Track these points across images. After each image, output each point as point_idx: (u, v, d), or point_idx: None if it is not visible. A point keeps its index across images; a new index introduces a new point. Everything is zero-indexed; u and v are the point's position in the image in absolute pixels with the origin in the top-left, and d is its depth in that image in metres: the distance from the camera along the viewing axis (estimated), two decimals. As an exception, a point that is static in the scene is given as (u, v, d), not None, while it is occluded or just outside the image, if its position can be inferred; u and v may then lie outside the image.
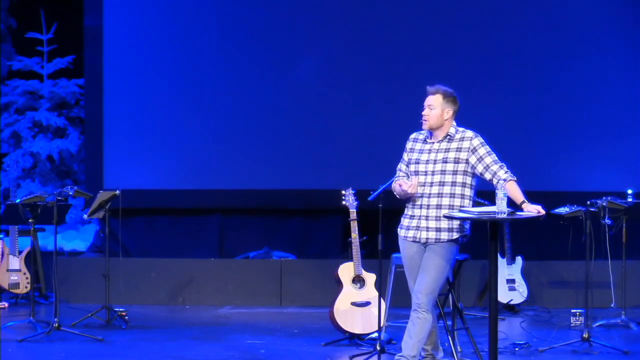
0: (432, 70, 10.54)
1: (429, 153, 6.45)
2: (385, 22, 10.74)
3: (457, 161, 6.38)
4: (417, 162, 6.46)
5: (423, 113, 6.45)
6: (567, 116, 10.65)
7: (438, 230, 6.37)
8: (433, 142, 6.47)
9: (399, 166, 6.64)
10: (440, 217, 6.34)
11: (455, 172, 6.38)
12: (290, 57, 10.86)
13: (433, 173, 6.39)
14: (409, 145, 6.60)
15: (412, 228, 6.45)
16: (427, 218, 6.39)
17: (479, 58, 10.67)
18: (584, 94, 10.64)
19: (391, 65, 10.72)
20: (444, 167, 6.38)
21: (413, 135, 6.63)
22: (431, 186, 6.39)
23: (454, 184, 6.37)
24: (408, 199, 6.47)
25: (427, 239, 6.39)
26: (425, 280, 6.35)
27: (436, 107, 6.43)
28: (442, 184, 6.37)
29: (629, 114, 10.58)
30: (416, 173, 6.44)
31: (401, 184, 6.40)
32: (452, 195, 6.37)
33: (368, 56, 10.75)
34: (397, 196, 6.56)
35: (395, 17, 10.75)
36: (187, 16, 10.95)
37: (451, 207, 6.33)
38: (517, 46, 10.68)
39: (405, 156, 6.59)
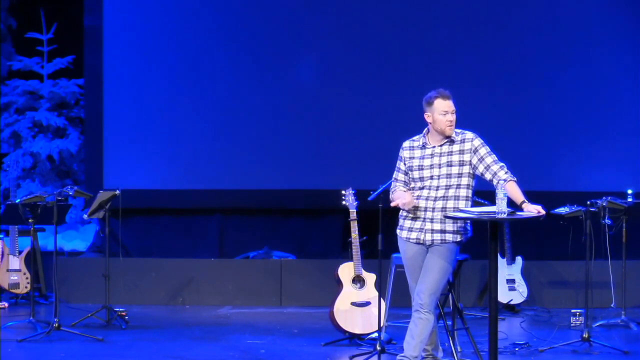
0: (432, 70, 10.55)
1: (432, 157, 6.42)
2: (385, 23, 10.74)
3: (461, 164, 6.37)
4: (421, 168, 6.42)
5: (451, 119, 6.35)
6: (567, 116, 10.65)
7: (443, 232, 6.36)
8: (434, 147, 6.44)
9: (395, 175, 6.58)
10: (444, 220, 6.33)
11: (460, 175, 6.36)
12: (290, 57, 10.86)
13: (439, 177, 6.37)
14: (405, 153, 6.53)
15: (415, 230, 6.43)
16: (432, 220, 6.37)
17: (479, 58, 10.66)
18: (584, 93, 10.64)
19: (391, 65, 10.72)
20: (449, 171, 6.36)
21: (407, 144, 6.56)
22: (437, 190, 6.37)
23: (458, 186, 6.36)
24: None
25: (432, 240, 6.38)
26: (429, 280, 6.34)
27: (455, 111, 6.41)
28: (447, 187, 6.35)
29: (628, 114, 10.58)
30: (421, 179, 6.41)
31: (397, 204, 6.36)
32: (457, 198, 6.36)
33: (368, 56, 10.75)
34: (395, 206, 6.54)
35: (395, 18, 10.74)
36: (187, 16, 10.95)
37: (456, 210, 6.32)
38: (516, 46, 10.68)
39: (402, 165, 6.53)
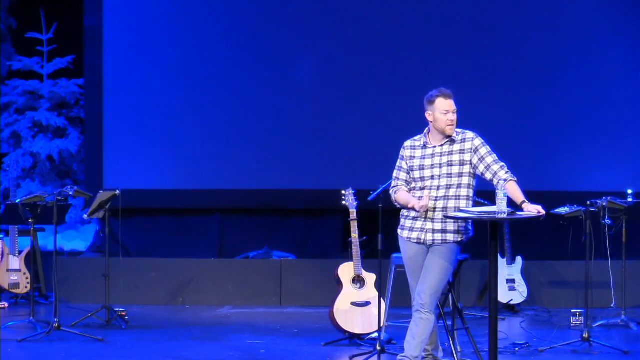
0: (432, 69, 10.55)
1: (432, 157, 6.41)
2: (385, 22, 10.74)
3: (462, 163, 6.36)
4: (422, 168, 6.42)
5: (452, 119, 6.36)
6: (567, 116, 10.65)
7: (444, 232, 6.36)
8: (435, 146, 6.43)
9: (395, 174, 6.56)
10: (445, 219, 6.33)
11: (460, 175, 6.36)
12: (290, 57, 10.86)
13: (440, 177, 6.37)
14: (407, 153, 6.52)
15: (416, 229, 6.43)
16: (433, 220, 6.37)
17: (478, 57, 10.67)
18: (583, 93, 10.64)
19: (391, 64, 10.72)
20: (450, 171, 6.36)
21: (408, 143, 6.56)
22: (438, 190, 6.36)
23: (459, 186, 6.35)
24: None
25: (433, 240, 6.38)
26: (430, 280, 6.34)
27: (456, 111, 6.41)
28: (448, 187, 6.35)
29: (629, 114, 10.58)
30: (422, 179, 6.40)
31: (414, 205, 6.33)
32: (458, 198, 6.35)
33: (368, 56, 10.75)
34: (398, 206, 6.53)
35: (395, 17, 10.75)
36: (187, 16, 10.96)
37: (457, 209, 6.31)
38: (516, 46, 10.68)
39: (404, 164, 6.52)
